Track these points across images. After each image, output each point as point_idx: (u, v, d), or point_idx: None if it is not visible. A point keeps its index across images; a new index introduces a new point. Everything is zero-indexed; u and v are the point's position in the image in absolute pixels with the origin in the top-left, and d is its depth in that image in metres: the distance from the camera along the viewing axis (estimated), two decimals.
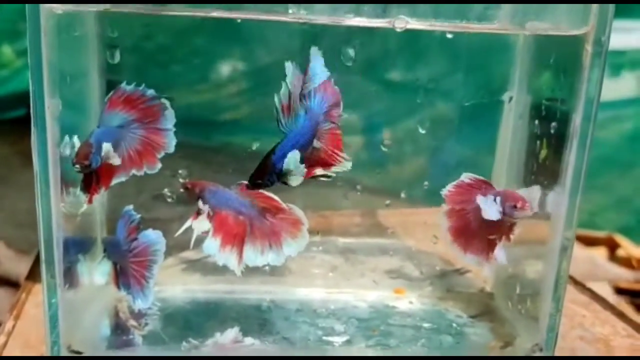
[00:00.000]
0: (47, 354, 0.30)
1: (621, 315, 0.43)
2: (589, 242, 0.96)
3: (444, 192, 0.34)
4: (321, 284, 0.40)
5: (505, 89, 0.37)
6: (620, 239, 0.95)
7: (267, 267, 0.41)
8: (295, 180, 0.31)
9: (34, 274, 0.44)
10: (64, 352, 0.30)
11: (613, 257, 0.94)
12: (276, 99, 0.29)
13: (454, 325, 0.36)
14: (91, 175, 0.31)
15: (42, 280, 0.29)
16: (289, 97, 0.29)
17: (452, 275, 0.42)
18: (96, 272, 0.34)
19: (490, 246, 0.33)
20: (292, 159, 0.30)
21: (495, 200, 0.32)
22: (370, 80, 0.38)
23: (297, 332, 0.34)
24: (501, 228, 0.32)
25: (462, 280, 0.40)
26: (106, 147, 0.30)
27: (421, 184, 0.39)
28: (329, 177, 0.32)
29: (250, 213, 0.32)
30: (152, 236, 0.32)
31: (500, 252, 0.33)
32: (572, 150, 0.30)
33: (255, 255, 0.33)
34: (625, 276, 0.86)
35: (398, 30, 0.29)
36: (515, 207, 0.31)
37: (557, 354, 0.37)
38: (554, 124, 0.32)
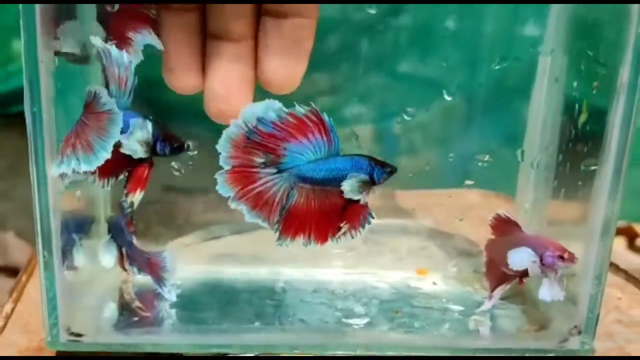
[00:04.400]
0: (46, 337, 0.28)
1: None
2: None
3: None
4: (339, 264, 0.37)
5: (538, 50, 0.34)
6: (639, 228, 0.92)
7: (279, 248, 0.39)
8: None
9: (35, 257, 0.43)
10: (63, 335, 0.28)
11: (632, 246, 0.91)
12: None
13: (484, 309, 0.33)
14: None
15: (39, 259, 0.27)
16: None
17: (478, 255, 0.40)
18: (103, 254, 0.33)
19: (498, 284, 0.32)
20: None
21: (529, 253, 0.30)
22: (391, 43, 0.35)
23: (315, 315, 0.31)
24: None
25: None
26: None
27: (446, 157, 0.37)
28: None
29: None
30: (167, 260, 0.30)
31: (497, 293, 0.32)
32: (619, 108, 0.27)
33: None
34: None
35: None
36: (562, 257, 0.30)
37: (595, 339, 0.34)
38: (595, 83, 0.29)
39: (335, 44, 0.35)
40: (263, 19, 0.26)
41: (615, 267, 0.44)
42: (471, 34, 0.35)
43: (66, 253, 0.29)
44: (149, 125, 0.27)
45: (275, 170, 0.26)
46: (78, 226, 0.30)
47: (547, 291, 0.30)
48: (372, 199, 0.51)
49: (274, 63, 0.26)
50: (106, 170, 0.27)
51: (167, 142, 0.28)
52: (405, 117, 0.35)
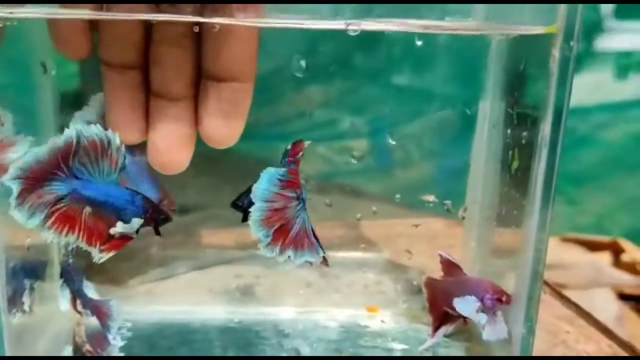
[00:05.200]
0: None
1: (607, 332, 0.41)
2: (593, 246, 0.94)
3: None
4: (294, 302, 0.38)
5: (478, 97, 0.36)
6: (625, 243, 0.93)
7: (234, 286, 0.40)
8: None
9: None
10: None
11: (617, 262, 0.92)
12: None
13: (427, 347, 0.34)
14: None
15: None
16: None
17: None
18: (60, 297, 0.34)
19: (441, 323, 0.34)
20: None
21: (472, 298, 0.32)
22: (336, 91, 0.36)
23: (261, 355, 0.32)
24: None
25: None
26: None
27: (393, 196, 0.38)
28: None
29: None
30: (113, 308, 0.31)
31: (440, 332, 0.33)
32: (542, 161, 0.28)
33: None
34: (629, 282, 0.84)
35: (352, 33, 0.27)
36: (500, 300, 0.31)
37: None
38: (524, 133, 0.31)
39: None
40: (203, 81, 0.27)
41: (566, 300, 0.46)
42: (415, 81, 0.37)
43: (16, 298, 0.30)
44: (139, 200, 0.28)
45: (299, 203, 0.28)
46: (29, 271, 0.31)
47: (491, 331, 0.32)
48: (335, 229, 0.52)
49: (213, 122, 0.27)
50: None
51: (154, 215, 0.29)
52: (353, 160, 0.37)
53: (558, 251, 0.92)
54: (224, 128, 0.27)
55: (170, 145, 0.27)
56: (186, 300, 0.38)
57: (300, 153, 0.28)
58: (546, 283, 0.48)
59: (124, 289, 0.39)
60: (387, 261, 0.44)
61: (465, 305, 0.32)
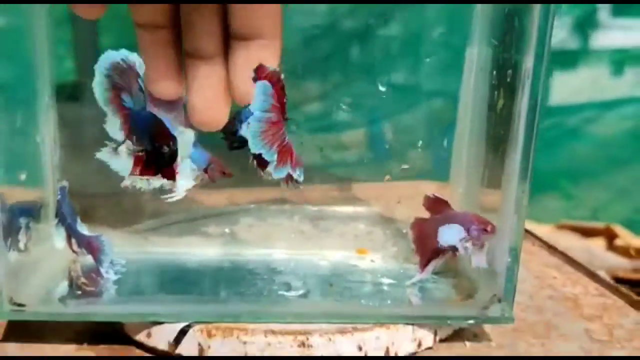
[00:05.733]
0: None
1: (593, 276, 0.42)
2: (587, 233, 0.95)
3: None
4: (284, 246, 0.39)
5: (466, 41, 0.36)
6: (618, 229, 0.94)
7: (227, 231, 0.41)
8: None
9: None
10: (6, 306, 0.29)
11: (611, 247, 0.93)
12: None
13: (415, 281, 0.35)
14: None
15: None
16: None
17: None
18: (55, 235, 0.34)
19: (430, 258, 0.34)
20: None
21: (458, 228, 0.33)
22: (323, 38, 0.37)
23: (253, 288, 0.33)
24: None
25: None
26: None
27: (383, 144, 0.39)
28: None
29: None
30: (105, 243, 0.33)
31: (431, 267, 0.34)
32: (525, 94, 0.29)
33: None
34: (623, 265, 0.85)
35: None
36: (485, 230, 0.32)
37: (525, 312, 0.36)
38: (509, 71, 0.31)
39: None
40: (231, 40, 0.28)
41: (553, 250, 0.47)
42: (402, 29, 0.37)
43: (11, 235, 0.31)
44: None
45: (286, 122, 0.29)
46: (24, 210, 0.32)
47: (478, 259, 0.33)
48: (329, 190, 0.53)
49: (243, 80, 0.28)
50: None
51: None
52: (343, 107, 0.37)
53: (553, 237, 0.94)
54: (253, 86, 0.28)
55: (207, 103, 0.28)
56: (180, 243, 0.39)
57: (273, 77, 0.27)
58: (534, 236, 0.49)
59: (117, 234, 0.40)
60: (378, 214, 0.45)
61: (451, 235, 0.32)
